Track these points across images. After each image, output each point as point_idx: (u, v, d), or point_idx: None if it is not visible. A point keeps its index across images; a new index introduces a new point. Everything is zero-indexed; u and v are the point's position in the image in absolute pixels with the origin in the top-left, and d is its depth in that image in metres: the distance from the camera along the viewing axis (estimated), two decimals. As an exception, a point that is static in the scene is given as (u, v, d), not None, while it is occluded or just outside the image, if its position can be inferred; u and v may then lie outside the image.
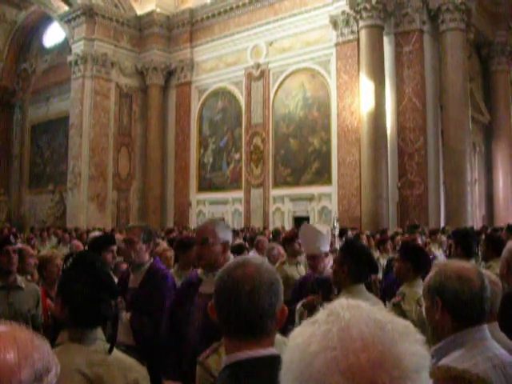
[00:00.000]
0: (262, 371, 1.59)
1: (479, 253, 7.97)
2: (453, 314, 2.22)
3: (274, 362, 0.99)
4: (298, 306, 4.41)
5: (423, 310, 2.49)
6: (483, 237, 10.10)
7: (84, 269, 2.34)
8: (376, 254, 9.86)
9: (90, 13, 25.31)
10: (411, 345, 0.86)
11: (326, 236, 4.82)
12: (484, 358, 2.15)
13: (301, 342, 0.89)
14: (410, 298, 4.01)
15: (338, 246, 7.72)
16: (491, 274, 3.25)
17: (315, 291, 4.41)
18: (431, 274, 2.33)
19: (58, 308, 2.31)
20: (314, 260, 4.82)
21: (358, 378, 0.81)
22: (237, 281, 1.78)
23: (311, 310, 4.02)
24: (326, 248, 4.85)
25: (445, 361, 2.18)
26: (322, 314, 0.92)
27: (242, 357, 1.71)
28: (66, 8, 26.44)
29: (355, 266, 3.59)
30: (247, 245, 9.51)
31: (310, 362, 0.85)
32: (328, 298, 3.92)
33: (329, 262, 4.82)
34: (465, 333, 2.21)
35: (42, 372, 1.06)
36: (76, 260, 2.41)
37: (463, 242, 5.45)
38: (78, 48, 25.83)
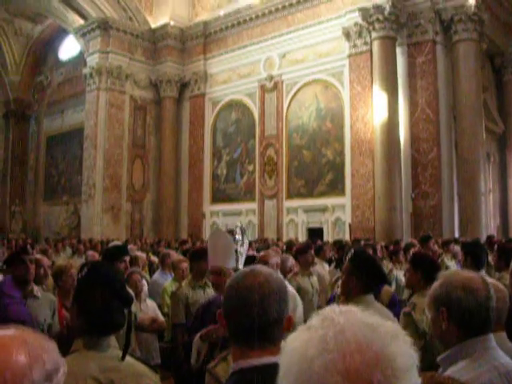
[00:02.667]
0: (270, 378, 1.64)
1: (491, 263, 7.97)
2: (458, 323, 2.24)
3: None
4: (196, 337, 3.75)
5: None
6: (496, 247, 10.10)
7: (98, 278, 2.40)
8: (389, 265, 9.86)
9: (104, 26, 25.56)
10: (401, 346, 0.93)
11: (233, 249, 4.26)
12: (490, 367, 2.17)
13: (298, 347, 0.95)
14: (421, 308, 4.02)
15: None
16: (498, 283, 3.28)
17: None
18: (436, 284, 2.36)
19: (73, 316, 2.37)
20: (218, 276, 4.05)
21: (355, 377, 0.88)
22: (247, 289, 1.84)
23: (212, 344, 3.42)
24: (232, 263, 4.11)
25: (452, 370, 2.21)
26: (316, 319, 0.99)
27: (249, 364, 1.76)
28: (81, 21, 26.71)
29: (363, 277, 3.62)
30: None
31: (309, 364, 0.92)
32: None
33: None
34: (471, 342, 2.23)
35: (51, 372, 1.13)
36: (90, 270, 2.47)
37: (473, 253, 5.47)
38: (92, 61, 26.06)
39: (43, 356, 1.12)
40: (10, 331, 1.14)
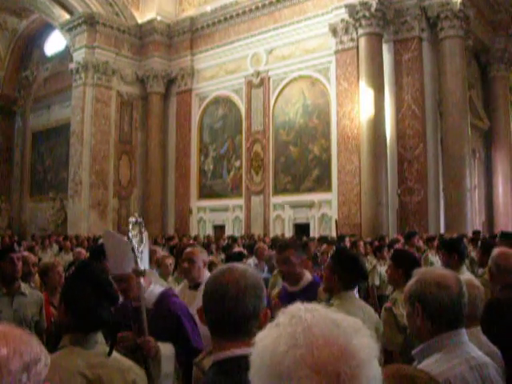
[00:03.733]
0: (246, 368, 1.70)
1: (474, 259, 8.06)
2: (432, 318, 2.33)
3: None
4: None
5: None
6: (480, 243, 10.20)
7: (85, 277, 2.45)
8: (373, 260, 9.95)
9: (91, 21, 25.46)
10: (363, 338, 1.01)
11: (129, 249, 3.68)
12: (462, 360, 2.27)
13: (269, 344, 1.03)
14: (402, 303, 4.09)
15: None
16: (474, 280, 3.35)
17: (129, 325, 3.58)
18: (412, 281, 2.44)
19: (61, 313, 2.41)
20: (121, 284, 3.57)
21: (324, 370, 0.95)
22: (223, 285, 1.94)
23: (127, 350, 3.18)
24: (130, 266, 3.60)
25: (425, 363, 2.29)
26: (283, 317, 1.06)
27: (227, 355, 1.86)
28: (67, 16, 26.58)
29: (345, 274, 3.70)
30: (246, 252, 9.57)
31: (280, 359, 0.99)
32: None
33: (151, 285, 3.86)
34: (444, 337, 2.32)
35: (29, 363, 1.20)
36: (78, 268, 2.51)
37: (457, 250, 5.54)
38: (79, 56, 25.96)
39: (21, 348, 1.19)
40: None
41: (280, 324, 1.04)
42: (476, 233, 14.55)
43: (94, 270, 2.52)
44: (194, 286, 4.72)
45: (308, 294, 4.04)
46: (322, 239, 12.95)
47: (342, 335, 0.99)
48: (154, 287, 3.85)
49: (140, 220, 3.64)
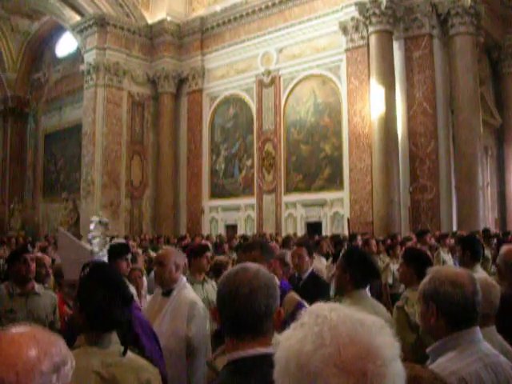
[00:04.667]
0: (259, 368, 1.73)
1: (488, 257, 8.03)
2: (446, 317, 2.33)
3: (271, 359, 1.12)
4: None
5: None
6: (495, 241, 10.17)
7: (99, 277, 2.47)
8: (386, 259, 9.93)
9: (101, 22, 25.55)
10: (386, 337, 1.04)
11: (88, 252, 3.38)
12: (476, 358, 2.27)
13: (295, 343, 1.04)
14: (413, 302, 4.08)
15: None
16: (489, 279, 3.34)
17: None
18: (426, 279, 2.44)
19: (75, 314, 2.45)
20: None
21: (351, 368, 0.98)
22: (236, 285, 1.96)
23: None
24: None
25: (439, 360, 2.29)
26: (308, 317, 1.08)
27: (241, 355, 1.88)
28: (78, 18, 26.69)
29: (357, 273, 3.70)
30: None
31: (308, 359, 1.00)
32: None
33: None
34: (458, 335, 2.32)
35: (59, 364, 1.23)
36: (92, 269, 2.54)
37: (470, 248, 5.52)
38: (90, 57, 26.06)
39: (51, 349, 1.22)
40: (20, 328, 1.25)
41: (305, 324, 1.06)
42: (486, 230, 14.48)
43: (108, 271, 2.56)
44: (167, 292, 4.38)
45: None
46: (335, 237, 12.95)
47: (367, 334, 1.02)
48: None
49: (105, 220, 3.36)
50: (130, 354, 2.43)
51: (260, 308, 1.92)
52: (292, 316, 3.62)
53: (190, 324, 4.14)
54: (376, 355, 0.99)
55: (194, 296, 4.47)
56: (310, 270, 5.88)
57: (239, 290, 1.94)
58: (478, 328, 2.38)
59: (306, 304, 3.73)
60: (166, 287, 4.38)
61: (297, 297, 3.92)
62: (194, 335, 4.13)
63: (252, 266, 2.09)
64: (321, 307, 1.10)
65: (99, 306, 2.38)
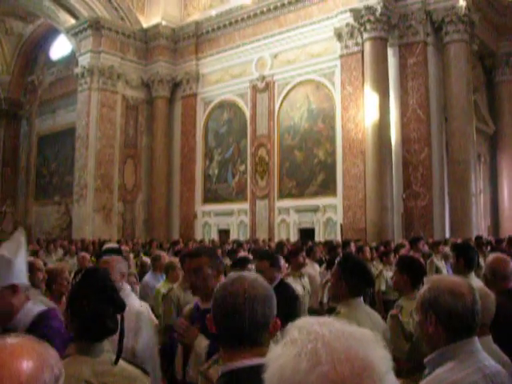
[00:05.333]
0: (256, 379, 1.70)
1: (481, 264, 8.02)
2: (445, 327, 2.31)
3: None
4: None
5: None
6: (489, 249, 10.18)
7: (91, 284, 2.44)
8: (379, 266, 9.93)
9: (96, 26, 25.53)
10: (380, 350, 1.01)
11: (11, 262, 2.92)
12: (475, 368, 2.25)
13: (288, 362, 1.00)
14: (408, 311, 4.06)
15: None
16: (485, 288, 3.33)
17: None
18: (424, 289, 2.42)
19: (67, 321, 2.41)
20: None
21: None
22: (233, 294, 1.93)
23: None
24: (9, 279, 2.94)
25: (438, 371, 2.27)
26: (298, 333, 1.03)
27: (237, 366, 1.85)
28: (72, 21, 26.66)
29: (352, 280, 3.67)
30: (251, 257, 9.54)
31: (304, 377, 0.96)
32: None
33: (28, 302, 3.11)
34: (457, 345, 2.31)
35: (58, 376, 1.23)
36: (84, 276, 2.51)
37: (464, 255, 5.51)
38: (84, 60, 26.04)
39: (51, 361, 1.23)
40: (16, 339, 1.24)
41: (297, 340, 1.02)
42: (478, 238, 14.50)
43: (101, 278, 2.52)
44: None
45: None
46: (328, 244, 12.94)
47: (361, 348, 0.99)
48: (32, 306, 3.12)
49: (20, 229, 3.04)
50: (121, 362, 2.39)
51: (257, 318, 1.89)
52: None
53: (136, 336, 3.87)
54: (372, 370, 0.96)
55: (140, 306, 4.20)
56: (276, 282, 5.40)
57: (236, 299, 1.91)
58: (476, 338, 2.36)
59: None
60: None
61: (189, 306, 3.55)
62: (140, 348, 3.87)
63: (248, 274, 2.07)
64: (309, 322, 1.06)
65: (91, 313, 2.34)
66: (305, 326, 1.05)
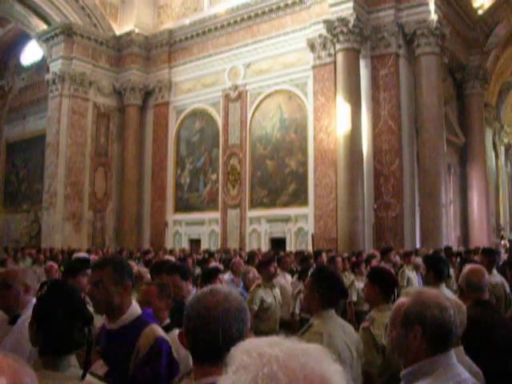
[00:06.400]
0: None
1: (451, 275, 8.07)
2: (431, 340, 2.28)
3: None
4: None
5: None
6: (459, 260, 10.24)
7: (58, 296, 2.36)
8: (351, 276, 9.93)
9: (68, 32, 25.32)
10: (333, 365, 0.96)
11: None
12: (455, 382, 2.23)
13: None
14: (380, 323, 4.02)
15: None
16: (457, 299, 3.33)
17: None
18: (406, 301, 2.37)
19: (31, 335, 2.33)
20: None
21: None
22: (206, 308, 1.89)
23: None
24: None
25: None
26: (248, 357, 0.96)
27: (210, 381, 1.79)
28: (44, 26, 26.42)
29: (325, 292, 3.63)
30: (222, 267, 9.49)
31: None
32: None
33: None
34: (436, 359, 2.28)
35: None
36: (50, 288, 2.43)
37: (435, 267, 5.54)
38: (55, 67, 25.79)
39: (26, 379, 1.16)
40: None
41: (249, 365, 0.95)
42: (447, 248, 14.62)
43: (67, 290, 2.45)
44: (13, 318, 3.52)
45: (128, 337, 3.05)
46: (299, 254, 12.92)
47: (316, 365, 0.94)
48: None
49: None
50: (89, 377, 2.32)
51: (232, 332, 1.85)
52: (149, 355, 2.98)
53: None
54: None
55: None
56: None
57: (210, 312, 1.87)
58: (452, 351, 2.35)
59: (167, 338, 3.16)
60: (11, 312, 3.54)
61: (157, 331, 3.13)
62: None
63: (222, 288, 2.03)
64: (257, 344, 1.00)
65: (58, 327, 2.27)
66: (253, 349, 0.98)
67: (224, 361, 1.82)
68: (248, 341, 1.03)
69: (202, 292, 2.00)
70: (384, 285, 4.34)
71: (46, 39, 26.35)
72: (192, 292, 4.76)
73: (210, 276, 6.17)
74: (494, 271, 6.16)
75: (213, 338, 1.83)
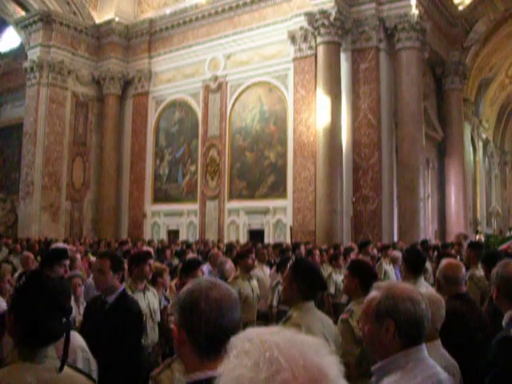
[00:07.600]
0: None
1: (427, 268, 8.13)
2: (403, 334, 2.28)
3: None
4: None
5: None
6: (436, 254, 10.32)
7: (36, 287, 2.33)
8: (329, 268, 9.97)
9: (47, 19, 25.04)
10: (330, 356, 1.00)
11: None
12: (425, 376, 2.25)
13: (246, 372, 0.95)
14: (358, 315, 4.04)
15: None
16: (434, 293, 3.35)
17: None
18: (378, 295, 2.37)
19: (9, 326, 2.30)
20: None
21: None
22: (199, 300, 1.84)
23: None
24: None
25: (387, 381, 2.24)
26: (249, 344, 1.00)
27: (201, 376, 1.77)
28: (22, 13, 26.12)
29: (304, 284, 3.64)
30: (201, 258, 9.48)
31: None
32: None
33: None
34: (407, 353, 2.29)
35: None
36: (29, 279, 2.40)
37: (413, 260, 5.58)
38: (34, 54, 25.51)
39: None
40: None
41: (251, 351, 0.98)
42: (424, 242, 14.74)
43: (46, 280, 2.41)
44: None
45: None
46: (278, 246, 12.94)
47: (315, 355, 0.98)
48: None
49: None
50: (67, 369, 2.29)
51: (227, 324, 1.82)
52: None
53: None
54: (327, 376, 0.95)
55: None
56: (120, 290, 4.46)
57: (202, 306, 1.83)
58: (424, 345, 2.36)
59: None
60: None
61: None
62: None
63: (211, 279, 2.01)
64: (259, 332, 1.04)
65: (35, 317, 2.23)
66: (255, 337, 1.02)
67: (216, 354, 1.80)
68: (249, 330, 1.06)
69: (195, 284, 1.95)
70: (364, 277, 4.34)
71: (24, 26, 26.03)
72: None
73: (191, 268, 6.16)
74: (479, 265, 6.22)
75: (210, 330, 1.81)
